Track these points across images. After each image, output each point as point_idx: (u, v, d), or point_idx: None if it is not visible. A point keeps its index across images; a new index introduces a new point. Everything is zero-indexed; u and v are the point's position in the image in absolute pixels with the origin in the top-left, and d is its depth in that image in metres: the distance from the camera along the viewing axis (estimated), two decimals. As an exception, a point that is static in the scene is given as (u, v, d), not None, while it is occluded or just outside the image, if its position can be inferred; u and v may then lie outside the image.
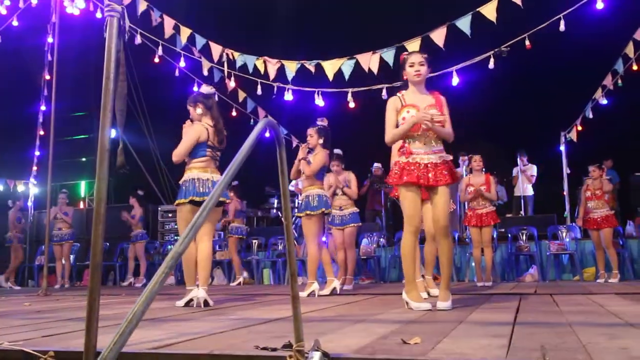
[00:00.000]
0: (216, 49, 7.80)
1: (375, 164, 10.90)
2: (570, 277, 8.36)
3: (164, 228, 11.19)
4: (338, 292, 5.38)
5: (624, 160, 9.22)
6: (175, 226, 10.42)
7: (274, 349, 1.85)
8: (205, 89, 4.69)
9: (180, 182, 4.49)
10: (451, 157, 3.57)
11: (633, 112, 9.73)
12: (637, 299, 3.95)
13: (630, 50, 7.84)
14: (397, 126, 3.57)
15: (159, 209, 11.31)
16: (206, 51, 7.99)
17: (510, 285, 6.50)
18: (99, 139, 1.57)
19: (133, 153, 11.19)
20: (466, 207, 7.32)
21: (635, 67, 8.09)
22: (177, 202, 4.46)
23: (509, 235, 8.64)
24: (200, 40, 7.81)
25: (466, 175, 7.57)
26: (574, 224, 9.45)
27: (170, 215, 10.90)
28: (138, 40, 8.11)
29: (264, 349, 1.88)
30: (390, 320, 2.89)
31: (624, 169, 10.05)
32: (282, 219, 11.35)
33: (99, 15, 8.49)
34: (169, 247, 10.70)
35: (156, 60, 8.38)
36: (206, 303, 4.20)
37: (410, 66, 3.59)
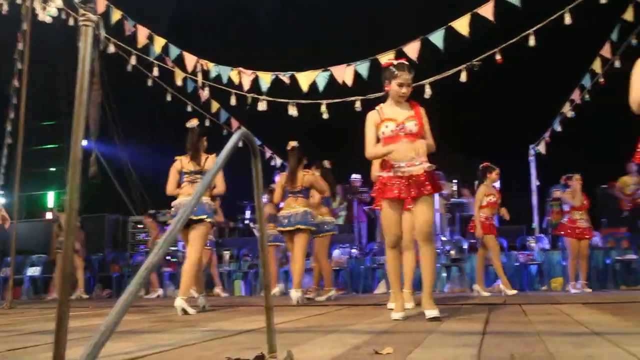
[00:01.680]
0: (190, 59, 7.77)
1: (354, 175, 10.82)
2: (539, 287, 8.49)
3: (134, 239, 11.01)
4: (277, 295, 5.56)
5: (591, 173, 9.42)
6: (146, 238, 10.34)
7: (247, 361, 1.85)
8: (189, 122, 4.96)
9: None
10: (434, 167, 3.52)
11: (600, 126, 9.97)
12: (602, 308, 4.04)
13: (597, 65, 8.05)
14: (377, 140, 3.58)
15: (129, 219, 11.13)
16: (180, 61, 7.95)
17: (479, 295, 6.58)
18: (71, 149, 1.55)
19: (103, 162, 11.02)
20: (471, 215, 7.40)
21: (602, 81, 8.30)
22: None
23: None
24: (174, 51, 7.77)
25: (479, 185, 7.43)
26: (542, 235, 9.62)
27: (140, 226, 10.73)
28: (111, 49, 8.02)
29: (236, 360, 1.87)
30: (363, 330, 2.91)
31: (591, 181, 10.25)
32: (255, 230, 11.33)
33: (71, 22, 8.37)
34: (139, 258, 10.55)
35: (129, 69, 8.30)
36: (184, 312, 4.44)
37: (399, 85, 3.52)
